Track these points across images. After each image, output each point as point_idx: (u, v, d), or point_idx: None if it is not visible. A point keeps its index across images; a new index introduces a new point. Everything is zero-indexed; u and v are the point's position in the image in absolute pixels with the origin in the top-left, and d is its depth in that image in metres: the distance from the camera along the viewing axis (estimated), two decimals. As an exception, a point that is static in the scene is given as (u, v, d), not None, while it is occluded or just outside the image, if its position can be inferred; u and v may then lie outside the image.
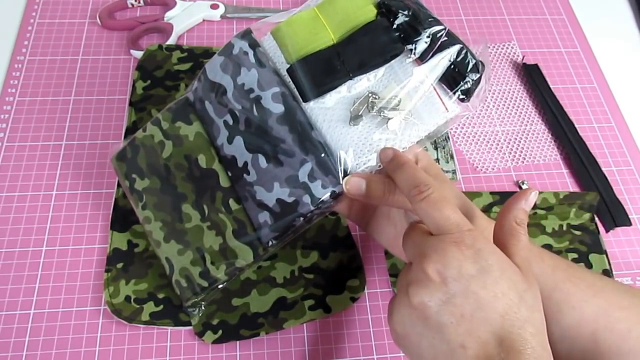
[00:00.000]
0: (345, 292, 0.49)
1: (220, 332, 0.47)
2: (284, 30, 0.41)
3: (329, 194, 0.39)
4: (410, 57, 0.40)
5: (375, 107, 0.39)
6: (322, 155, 0.39)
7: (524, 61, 0.68)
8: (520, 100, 0.65)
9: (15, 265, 0.49)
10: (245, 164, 0.41)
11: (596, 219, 0.56)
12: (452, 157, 0.59)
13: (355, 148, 0.39)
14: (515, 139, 0.62)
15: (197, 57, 0.63)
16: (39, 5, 0.68)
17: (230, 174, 0.43)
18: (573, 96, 0.66)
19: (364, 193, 0.38)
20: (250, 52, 0.42)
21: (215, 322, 0.47)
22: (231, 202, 0.43)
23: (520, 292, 0.31)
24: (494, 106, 0.64)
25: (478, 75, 0.40)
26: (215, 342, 0.46)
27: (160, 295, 0.48)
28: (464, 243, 0.31)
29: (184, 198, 0.45)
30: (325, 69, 0.39)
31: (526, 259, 0.34)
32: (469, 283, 0.31)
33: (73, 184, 0.54)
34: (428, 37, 0.39)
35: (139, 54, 0.63)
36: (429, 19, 0.39)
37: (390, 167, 0.38)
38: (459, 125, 0.62)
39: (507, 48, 0.70)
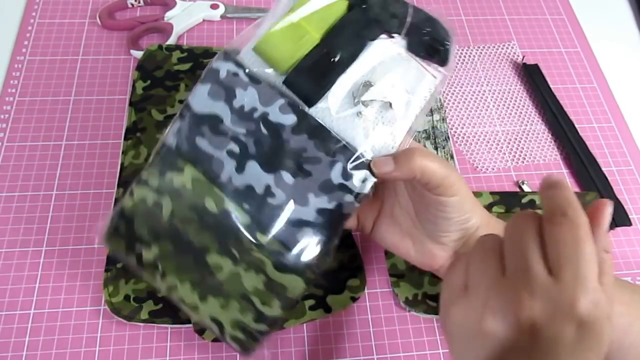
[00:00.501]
0: (346, 292, 0.49)
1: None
2: (268, 44, 0.39)
3: (371, 184, 0.39)
4: (388, 38, 0.41)
5: (374, 94, 0.40)
6: (349, 151, 0.39)
7: (524, 61, 0.68)
8: (520, 100, 0.65)
9: (15, 265, 0.49)
10: (268, 187, 0.39)
11: (596, 219, 0.56)
12: (452, 157, 0.59)
13: (370, 137, 0.40)
14: (515, 139, 0.62)
15: (197, 57, 0.63)
16: (39, 5, 0.68)
17: (247, 207, 0.39)
18: (573, 96, 0.66)
19: (393, 168, 0.38)
20: (241, 72, 0.40)
21: (215, 322, 0.47)
22: (259, 236, 0.39)
23: (599, 354, 0.29)
24: (494, 106, 0.64)
25: (451, 39, 0.41)
26: (215, 340, 0.46)
27: (160, 295, 0.48)
28: (579, 305, 0.28)
29: (206, 250, 0.40)
30: (319, 70, 0.39)
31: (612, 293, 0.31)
32: (558, 351, 0.28)
33: (73, 184, 0.54)
34: (397, 16, 0.41)
35: (139, 54, 0.63)
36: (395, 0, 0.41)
37: (543, 186, 0.32)
38: (459, 125, 0.62)
39: (507, 48, 0.70)
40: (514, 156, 0.61)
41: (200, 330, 0.46)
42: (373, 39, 0.40)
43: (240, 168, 0.39)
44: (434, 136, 0.60)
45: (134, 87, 0.60)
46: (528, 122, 0.63)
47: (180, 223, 0.40)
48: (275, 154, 0.39)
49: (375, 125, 0.40)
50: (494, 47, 0.70)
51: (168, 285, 0.41)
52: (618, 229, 0.56)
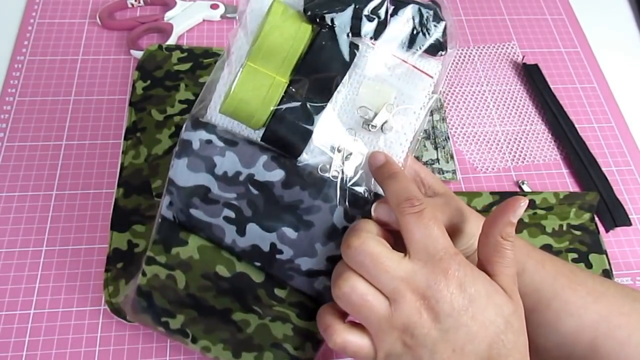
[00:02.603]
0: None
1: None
2: (235, 104, 0.35)
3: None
4: (367, 45, 0.37)
5: (363, 118, 0.37)
6: (347, 191, 0.36)
7: (524, 61, 0.68)
8: (520, 100, 0.65)
9: (15, 265, 0.49)
10: (273, 245, 0.37)
11: (596, 219, 0.56)
12: (452, 157, 0.59)
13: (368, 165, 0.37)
14: (515, 139, 0.62)
15: (197, 57, 0.63)
16: (39, 5, 0.68)
17: (259, 264, 0.38)
18: (573, 96, 0.66)
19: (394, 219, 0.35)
20: (214, 137, 0.37)
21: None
22: (277, 291, 0.38)
23: (507, 317, 0.31)
24: (494, 106, 0.64)
25: (444, 23, 0.37)
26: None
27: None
28: (451, 271, 0.31)
29: (230, 311, 0.40)
30: (298, 115, 0.36)
31: (512, 276, 0.33)
32: (460, 316, 0.30)
33: (73, 184, 0.54)
34: (371, 15, 0.36)
35: (139, 54, 0.63)
36: None
37: (380, 174, 0.35)
38: (459, 125, 0.62)
39: (507, 48, 0.70)
40: (514, 156, 0.61)
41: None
42: (352, 54, 0.36)
43: (240, 232, 0.38)
44: (434, 136, 0.60)
45: (134, 87, 0.60)
46: (528, 122, 0.63)
47: (197, 291, 0.39)
48: (272, 212, 0.37)
49: (373, 149, 0.37)
50: (494, 47, 0.70)
51: (201, 347, 0.41)
52: (618, 229, 0.56)
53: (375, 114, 0.37)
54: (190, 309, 0.40)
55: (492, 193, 0.55)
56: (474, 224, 0.39)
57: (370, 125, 0.37)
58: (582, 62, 0.70)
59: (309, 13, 0.35)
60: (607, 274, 0.53)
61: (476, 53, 0.69)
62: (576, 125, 0.63)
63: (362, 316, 0.32)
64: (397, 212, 0.32)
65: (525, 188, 0.58)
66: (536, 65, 0.67)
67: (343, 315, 0.34)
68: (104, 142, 0.57)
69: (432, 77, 0.38)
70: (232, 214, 0.37)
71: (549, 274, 0.40)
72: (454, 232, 0.38)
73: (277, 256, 0.37)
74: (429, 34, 0.37)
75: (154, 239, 0.40)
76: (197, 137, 0.37)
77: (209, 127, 0.37)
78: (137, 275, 0.41)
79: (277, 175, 0.36)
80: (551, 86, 0.66)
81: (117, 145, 0.57)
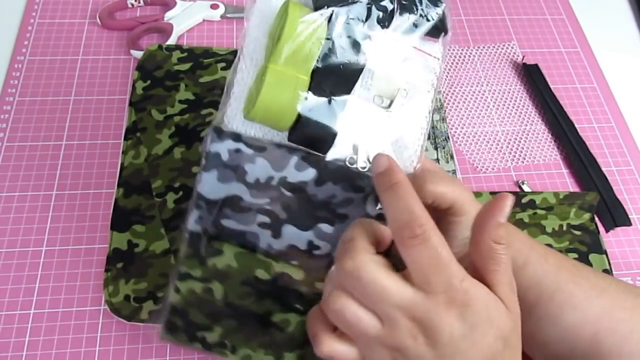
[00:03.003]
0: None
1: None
2: (261, 110, 0.35)
3: None
4: (378, 34, 0.37)
5: (379, 106, 0.38)
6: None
7: (524, 61, 0.68)
8: (520, 100, 0.65)
9: (15, 265, 0.49)
10: (310, 242, 0.38)
11: (596, 219, 0.56)
12: (452, 157, 0.59)
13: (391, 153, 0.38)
14: (515, 139, 0.62)
15: (197, 57, 0.63)
16: (39, 5, 0.68)
17: (297, 262, 0.39)
18: (573, 96, 0.66)
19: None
20: (242, 145, 0.36)
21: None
22: (318, 284, 0.39)
23: (506, 336, 0.30)
24: (494, 106, 0.64)
25: (443, 4, 0.38)
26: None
27: (160, 294, 0.48)
28: (455, 303, 0.29)
29: (270, 313, 0.40)
30: (323, 112, 0.36)
31: (509, 284, 0.32)
32: (458, 345, 0.29)
33: (73, 184, 0.54)
34: (380, 4, 0.36)
35: (139, 54, 0.63)
36: None
37: (380, 183, 0.32)
38: (459, 125, 0.62)
39: (507, 48, 0.70)
40: (514, 156, 0.61)
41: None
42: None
43: (276, 235, 0.38)
44: (434, 136, 0.60)
45: (134, 87, 0.60)
46: (528, 122, 0.63)
47: (237, 299, 0.39)
48: (307, 211, 0.37)
49: (390, 135, 0.38)
50: (494, 47, 0.70)
51: (242, 356, 0.40)
52: (618, 229, 0.56)
53: (391, 102, 0.37)
54: (229, 319, 0.40)
55: (492, 193, 0.55)
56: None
57: (387, 112, 0.37)
58: (582, 62, 0.70)
59: (322, 9, 0.35)
60: (607, 274, 0.52)
61: (476, 53, 0.69)
62: (576, 125, 0.63)
63: (352, 333, 0.31)
64: (397, 239, 0.29)
65: (525, 188, 0.58)
66: (536, 65, 0.67)
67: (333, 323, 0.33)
68: (104, 142, 0.57)
69: (438, 58, 0.38)
70: (266, 219, 0.38)
71: (551, 267, 0.40)
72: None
73: (315, 252, 0.38)
74: (430, 17, 0.37)
75: (186, 254, 0.39)
76: (225, 148, 0.36)
77: (235, 136, 0.36)
78: (167, 294, 0.40)
79: (309, 174, 0.36)
80: (551, 86, 0.66)
81: (117, 145, 0.57)
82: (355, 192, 0.37)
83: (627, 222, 0.56)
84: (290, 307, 0.40)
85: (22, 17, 0.66)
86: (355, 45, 0.36)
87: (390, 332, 0.30)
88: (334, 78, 0.36)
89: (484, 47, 0.70)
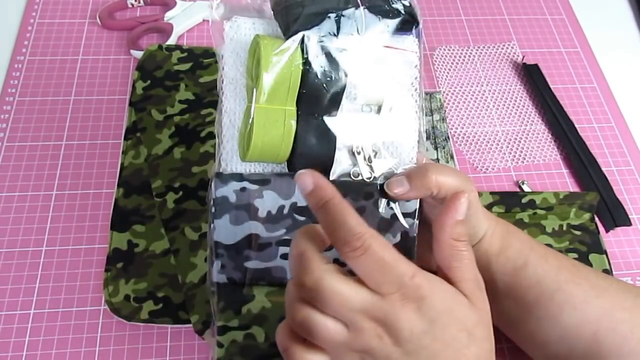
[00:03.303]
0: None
1: (220, 332, 0.47)
2: (257, 152, 0.35)
3: (416, 205, 0.39)
4: (352, 43, 0.37)
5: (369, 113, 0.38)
6: (383, 185, 0.38)
7: (524, 61, 0.68)
8: (520, 100, 0.65)
9: (15, 265, 0.49)
10: (336, 260, 0.37)
11: (596, 219, 0.56)
12: (452, 157, 0.59)
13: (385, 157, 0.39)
14: (515, 139, 0.62)
15: (197, 57, 0.63)
16: (39, 5, 0.68)
17: None
18: (573, 96, 0.66)
19: (408, 188, 0.37)
20: (246, 183, 0.37)
21: (215, 322, 0.47)
22: None
23: (470, 329, 0.31)
24: (494, 106, 0.64)
25: None
26: (215, 342, 0.46)
27: (160, 294, 0.48)
28: (409, 299, 0.30)
29: None
30: (316, 134, 0.36)
31: (473, 280, 0.33)
32: (420, 340, 0.30)
33: (73, 184, 0.54)
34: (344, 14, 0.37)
35: (139, 54, 0.63)
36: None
37: (311, 203, 0.32)
38: (459, 125, 0.62)
39: (507, 48, 0.70)
40: (514, 156, 0.61)
41: (201, 330, 0.46)
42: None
43: None
44: (434, 136, 0.60)
45: (134, 87, 0.60)
46: (528, 122, 0.63)
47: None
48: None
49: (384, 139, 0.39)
50: (494, 47, 0.70)
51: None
52: (618, 229, 0.56)
53: (379, 107, 0.38)
54: (276, 358, 0.39)
55: (492, 193, 0.55)
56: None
57: (379, 115, 0.38)
58: (582, 62, 0.70)
59: (293, 36, 0.35)
60: (607, 274, 0.52)
61: (476, 53, 0.69)
62: (576, 125, 0.63)
63: (320, 342, 0.31)
64: (340, 255, 0.30)
65: (525, 188, 0.58)
66: (536, 65, 0.67)
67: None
68: (104, 142, 0.57)
69: (415, 52, 0.39)
70: (287, 250, 0.38)
71: (552, 267, 0.40)
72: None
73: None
74: (398, 13, 0.38)
75: (219, 308, 0.39)
76: (230, 190, 0.37)
77: (238, 176, 0.37)
78: (212, 351, 0.40)
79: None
80: (551, 86, 0.66)
81: (117, 145, 0.57)
82: (365, 200, 0.37)
83: (627, 222, 0.56)
84: None
85: (22, 17, 0.66)
86: (333, 62, 0.36)
87: (355, 336, 0.30)
88: (320, 99, 0.36)
89: (484, 47, 0.70)
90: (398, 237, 0.39)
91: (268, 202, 0.37)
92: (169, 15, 0.67)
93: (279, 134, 0.35)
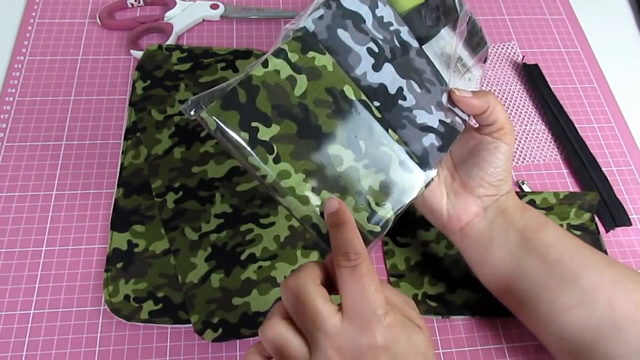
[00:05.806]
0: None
1: (220, 330, 0.47)
2: None
3: (466, 117, 0.45)
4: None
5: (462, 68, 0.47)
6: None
7: (524, 61, 0.68)
8: (520, 100, 0.65)
9: (15, 265, 0.49)
10: (400, 89, 0.42)
11: (596, 219, 0.56)
12: (452, 157, 0.59)
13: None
14: (515, 139, 0.62)
15: (197, 57, 0.63)
16: (39, 5, 0.68)
17: (378, 104, 0.41)
18: (573, 96, 0.66)
19: (472, 95, 0.43)
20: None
21: (215, 320, 0.47)
22: (390, 132, 0.41)
23: (424, 352, 0.33)
24: (494, 106, 0.64)
25: (464, 7, 0.47)
26: (215, 340, 0.46)
27: (160, 294, 0.48)
28: (377, 336, 0.32)
29: (332, 139, 0.39)
30: (432, 16, 0.44)
31: (408, 303, 0.36)
32: None
33: (73, 184, 0.54)
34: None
35: (139, 54, 0.63)
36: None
37: (330, 221, 0.37)
38: (459, 125, 0.62)
39: (507, 48, 0.70)
40: (514, 156, 0.60)
41: (201, 330, 0.47)
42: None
43: (377, 66, 0.41)
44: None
45: (133, 87, 0.60)
46: (528, 122, 0.63)
47: (312, 104, 0.39)
48: (406, 65, 0.43)
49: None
50: (494, 47, 0.70)
51: (279, 170, 0.37)
52: (618, 229, 0.56)
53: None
54: (292, 122, 0.38)
55: (492, 193, 0.55)
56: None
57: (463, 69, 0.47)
58: (582, 62, 0.70)
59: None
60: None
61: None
62: (576, 125, 0.63)
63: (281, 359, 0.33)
64: (335, 262, 0.34)
65: (525, 188, 0.58)
66: (536, 65, 0.67)
67: (269, 357, 0.35)
68: (104, 142, 0.57)
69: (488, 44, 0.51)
70: (375, 49, 0.41)
71: (567, 234, 0.44)
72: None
73: (400, 102, 0.42)
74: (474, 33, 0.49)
75: (286, 41, 0.39)
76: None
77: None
78: (252, 66, 0.38)
79: (414, 43, 0.44)
80: (551, 86, 0.66)
81: (117, 145, 0.57)
82: (437, 81, 0.44)
83: (627, 222, 0.56)
84: (352, 142, 0.40)
85: (22, 17, 0.66)
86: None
87: (314, 358, 0.32)
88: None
89: (484, 47, 0.70)
90: (449, 120, 0.44)
91: (386, 12, 0.43)
92: (168, 15, 0.67)
93: None
